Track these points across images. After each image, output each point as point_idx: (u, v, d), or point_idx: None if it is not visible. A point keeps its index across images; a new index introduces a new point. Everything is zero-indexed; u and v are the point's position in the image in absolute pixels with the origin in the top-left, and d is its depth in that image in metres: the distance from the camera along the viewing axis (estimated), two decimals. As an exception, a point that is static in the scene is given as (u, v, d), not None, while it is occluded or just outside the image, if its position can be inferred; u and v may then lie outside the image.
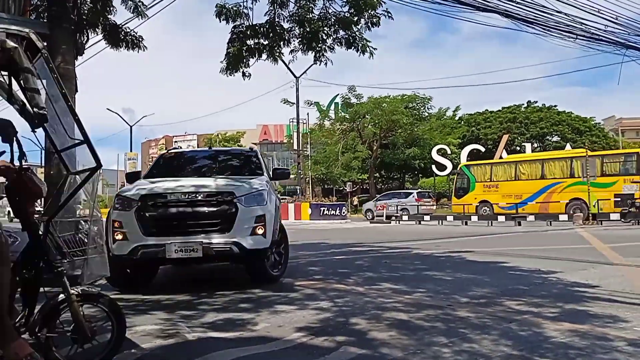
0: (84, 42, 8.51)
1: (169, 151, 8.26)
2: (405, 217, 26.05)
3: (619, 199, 20.66)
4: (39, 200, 2.96)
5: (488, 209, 25.25)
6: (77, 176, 2.99)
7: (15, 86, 2.70)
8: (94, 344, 2.94)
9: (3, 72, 2.76)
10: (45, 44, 2.91)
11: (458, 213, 25.46)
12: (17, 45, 2.57)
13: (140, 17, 9.20)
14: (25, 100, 2.71)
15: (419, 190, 37.08)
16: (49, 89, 2.82)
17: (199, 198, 5.76)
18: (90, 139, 2.82)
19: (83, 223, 2.99)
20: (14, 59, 2.55)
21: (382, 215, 26.79)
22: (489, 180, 26.56)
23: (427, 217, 24.77)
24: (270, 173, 7.25)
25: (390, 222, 25.64)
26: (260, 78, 12.34)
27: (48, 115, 2.69)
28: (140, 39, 9.33)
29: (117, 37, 9.14)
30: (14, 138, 2.63)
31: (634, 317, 4.28)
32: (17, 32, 2.63)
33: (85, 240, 2.93)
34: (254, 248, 5.75)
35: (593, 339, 3.58)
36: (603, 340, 3.55)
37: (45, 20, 7.90)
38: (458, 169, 31.49)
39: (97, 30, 8.95)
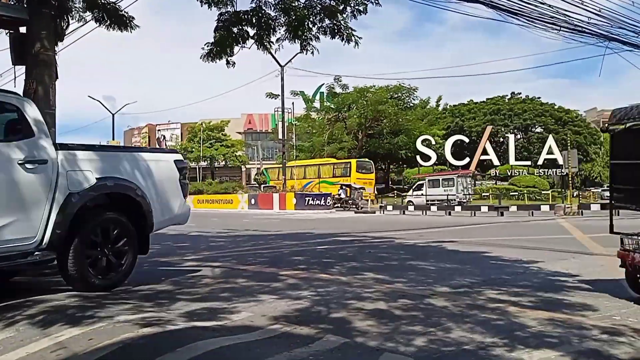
0: (64, 27, 8.34)
1: None
2: (389, 207, 26.26)
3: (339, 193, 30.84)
4: None
5: None
6: None
7: None
8: None
9: None
10: None
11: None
12: None
13: None
14: None
15: None
16: None
17: None
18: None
19: None
20: None
21: None
22: (276, 178, 37.62)
23: (411, 208, 25.00)
24: None
25: (375, 213, 25.80)
26: (245, 67, 12.26)
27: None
28: (132, 19, 9.13)
29: (114, 15, 8.89)
30: None
31: (612, 306, 4.38)
32: None
33: None
34: None
35: (569, 328, 3.66)
36: (579, 329, 3.62)
37: (24, 5, 7.73)
38: (261, 169, 45.82)
39: (89, 11, 8.70)
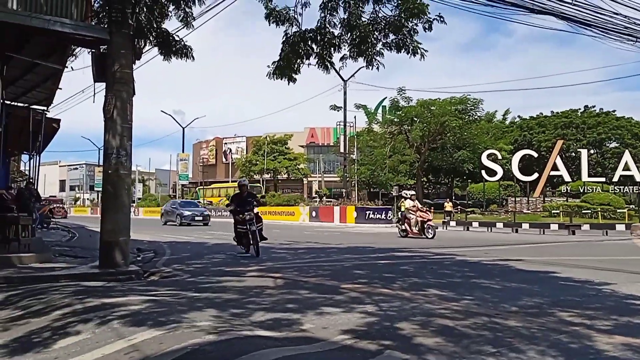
0: (142, 47, 8.81)
1: None
2: (452, 223, 25.70)
3: None
4: None
5: None
6: None
7: None
8: None
9: None
10: None
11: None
12: None
13: (187, 27, 9.37)
14: None
15: None
16: None
17: None
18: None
19: None
20: None
21: None
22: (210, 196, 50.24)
23: (475, 224, 24.36)
24: None
25: (437, 228, 25.33)
26: (309, 81, 12.43)
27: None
28: (190, 49, 9.45)
29: (169, 46, 9.29)
30: None
31: (695, 333, 4.08)
32: None
33: None
34: None
35: (648, 355, 3.44)
36: (660, 357, 3.41)
37: (105, 26, 8.25)
38: (196, 189, 58.77)
39: (150, 39, 9.09)
